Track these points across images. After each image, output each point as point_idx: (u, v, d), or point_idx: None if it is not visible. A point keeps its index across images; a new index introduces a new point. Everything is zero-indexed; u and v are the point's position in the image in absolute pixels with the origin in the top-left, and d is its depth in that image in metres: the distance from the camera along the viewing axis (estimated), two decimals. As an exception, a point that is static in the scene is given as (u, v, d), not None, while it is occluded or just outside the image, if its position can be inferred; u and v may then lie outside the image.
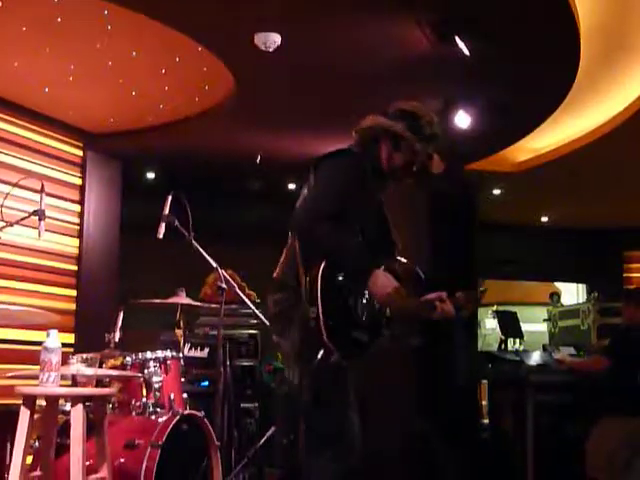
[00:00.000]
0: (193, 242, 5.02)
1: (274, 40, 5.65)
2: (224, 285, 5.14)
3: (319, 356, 3.30)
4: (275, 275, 3.60)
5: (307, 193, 3.52)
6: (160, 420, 4.78)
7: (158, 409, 5.00)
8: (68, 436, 3.81)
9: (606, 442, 6.16)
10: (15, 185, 5.58)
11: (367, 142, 3.68)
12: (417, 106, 3.70)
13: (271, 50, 5.70)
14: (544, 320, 10.19)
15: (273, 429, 6.48)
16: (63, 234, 7.87)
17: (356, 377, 3.56)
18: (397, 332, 3.56)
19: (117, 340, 5.30)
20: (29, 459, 4.11)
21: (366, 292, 3.44)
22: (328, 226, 3.31)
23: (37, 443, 4.39)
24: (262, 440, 6.39)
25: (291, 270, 3.46)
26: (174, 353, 5.28)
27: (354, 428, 3.48)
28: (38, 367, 3.72)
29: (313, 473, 3.46)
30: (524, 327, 8.97)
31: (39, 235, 4.64)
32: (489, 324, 12.07)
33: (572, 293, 13.70)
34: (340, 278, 3.36)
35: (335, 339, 3.29)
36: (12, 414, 4.06)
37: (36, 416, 3.90)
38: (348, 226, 3.44)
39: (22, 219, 4.75)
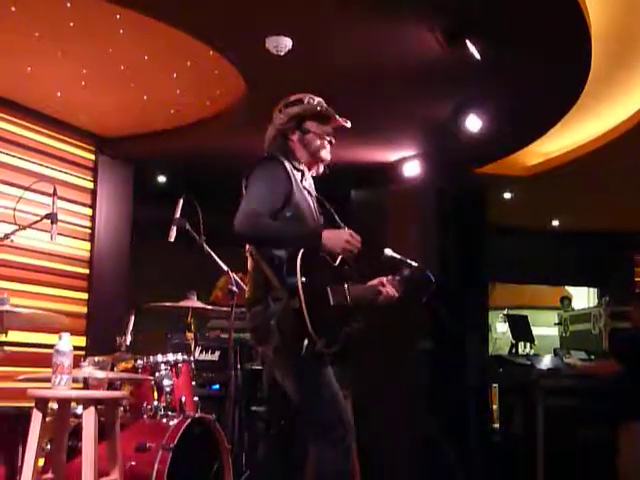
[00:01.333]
0: (204, 245, 5.03)
1: (285, 44, 5.66)
2: (235, 288, 5.15)
3: (304, 347, 3.43)
4: (247, 295, 3.82)
5: (243, 199, 3.68)
6: (171, 423, 4.79)
7: (169, 412, 5.01)
8: (80, 439, 3.83)
9: None
10: (27, 189, 5.61)
11: (279, 148, 3.88)
12: (298, 95, 3.99)
13: (282, 54, 5.72)
14: (555, 324, 10.19)
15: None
16: (75, 237, 7.89)
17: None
18: (360, 320, 3.73)
19: (128, 343, 5.31)
20: (41, 461, 4.12)
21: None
22: (266, 219, 3.55)
23: (49, 446, 4.40)
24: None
25: (259, 284, 3.66)
26: (185, 356, 5.30)
27: (345, 409, 3.66)
28: (50, 370, 3.74)
29: (316, 462, 3.57)
30: (535, 331, 8.97)
31: (51, 238, 4.66)
32: (500, 328, 12.07)
33: (583, 297, 13.68)
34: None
35: (318, 328, 3.44)
36: (24, 417, 4.09)
37: (48, 419, 3.92)
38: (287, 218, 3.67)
39: (35, 222, 4.77)
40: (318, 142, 3.90)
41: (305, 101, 3.95)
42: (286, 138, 3.90)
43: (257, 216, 3.54)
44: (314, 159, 3.92)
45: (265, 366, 3.86)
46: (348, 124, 3.94)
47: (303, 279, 3.45)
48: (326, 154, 3.93)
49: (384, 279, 3.84)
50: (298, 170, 3.84)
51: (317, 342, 3.43)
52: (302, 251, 3.50)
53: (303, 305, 3.41)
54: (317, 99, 3.98)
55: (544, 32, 5.54)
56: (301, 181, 3.83)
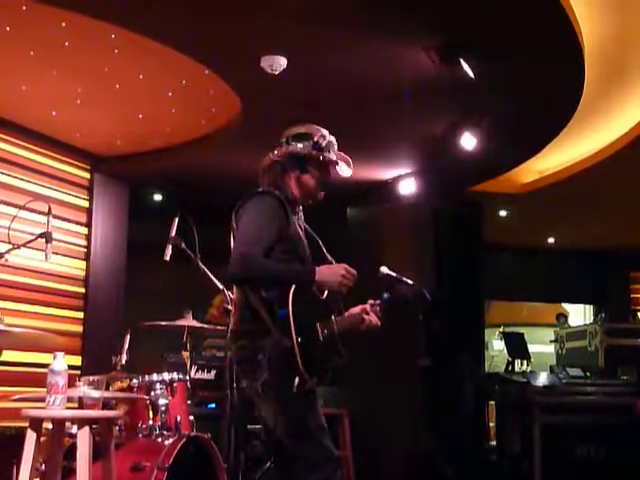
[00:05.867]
0: (199, 264, 5.02)
1: (280, 63, 5.67)
2: (231, 307, 5.13)
3: (295, 385, 3.40)
4: (232, 327, 3.75)
5: (236, 239, 3.64)
6: (167, 442, 4.77)
7: (164, 431, 4.99)
8: (74, 459, 3.80)
9: None
10: (22, 208, 5.59)
11: (275, 179, 3.83)
12: (307, 126, 3.92)
13: (277, 73, 5.73)
14: (551, 341, 10.16)
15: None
16: (70, 256, 7.88)
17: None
18: (346, 352, 3.68)
19: (124, 362, 5.30)
20: (36, 482, 4.10)
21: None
22: (259, 260, 3.50)
23: (43, 466, 4.39)
24: (269, 462, 6.36)
25: (245, 317, 3.62)
26: (180, 375, 5.27)
27: (331, 444, 3.62)
28: (45, 390, 3.73)
29: None
30: (531, 348, 8.96)
31: (46, 258, 4.64)
32: (496, 345, 12.05)
33: (579, 314, 13.67)
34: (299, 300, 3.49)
35: (309, 366, 3.41)
36: (18, 437, 4.06)
37: (42, 439, 3.89)
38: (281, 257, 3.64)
39: (29, 242, 4.75)
40: (313, 184, 3.86)
41: (315, 139, 3.86)
42: (284, 171, 3.84)
43: (249, 258, 3.49)
44: (307, 197, 3.89)
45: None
46: (348, 174, 3.91)
47: (293, 315, 3.42)
48: (320, 194, 3.91)
49: (367, 306, 3.79)
50: (291, 203, 3.79)
51: (308, 380, 3.41)
52: (294, 287, 3.47)
53: (295, 343, 3.37)
54: (327, 140, 3.88)
55: (537, 50, 5.56)
56: (294, 214, 3.81)
